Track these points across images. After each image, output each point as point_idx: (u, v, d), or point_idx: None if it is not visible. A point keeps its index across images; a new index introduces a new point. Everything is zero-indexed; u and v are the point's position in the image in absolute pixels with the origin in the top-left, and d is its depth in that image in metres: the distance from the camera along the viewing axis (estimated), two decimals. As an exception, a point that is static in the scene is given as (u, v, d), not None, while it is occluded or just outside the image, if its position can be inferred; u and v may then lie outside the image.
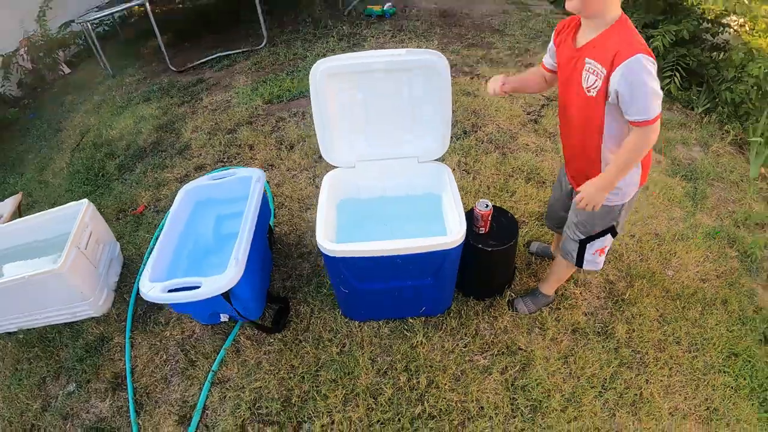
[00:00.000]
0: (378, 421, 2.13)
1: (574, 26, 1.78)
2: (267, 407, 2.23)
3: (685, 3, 4.11)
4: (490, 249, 2.31)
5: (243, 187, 2.70)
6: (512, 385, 2.24)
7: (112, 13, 6.46)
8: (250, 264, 2.27)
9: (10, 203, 3.89)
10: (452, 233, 2.04)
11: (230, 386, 2.35)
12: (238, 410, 2.24)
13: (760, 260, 2.88)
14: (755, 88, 3.75)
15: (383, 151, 2.45)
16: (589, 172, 1.87)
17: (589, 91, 1.70)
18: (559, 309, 2.56)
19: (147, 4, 5.35)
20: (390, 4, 6.13)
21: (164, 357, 2.57)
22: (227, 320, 2.55)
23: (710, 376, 2.28)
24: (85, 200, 2.97)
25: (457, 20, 6.01)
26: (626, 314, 2.54)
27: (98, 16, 6.10)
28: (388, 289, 2.27)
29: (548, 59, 1.98)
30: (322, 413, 2.18)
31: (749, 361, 2.34)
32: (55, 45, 6.96)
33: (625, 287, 2.68)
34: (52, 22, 6.94)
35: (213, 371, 2.43)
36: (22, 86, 6.66)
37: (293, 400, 2.25)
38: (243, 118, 4.41)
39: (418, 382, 2.25)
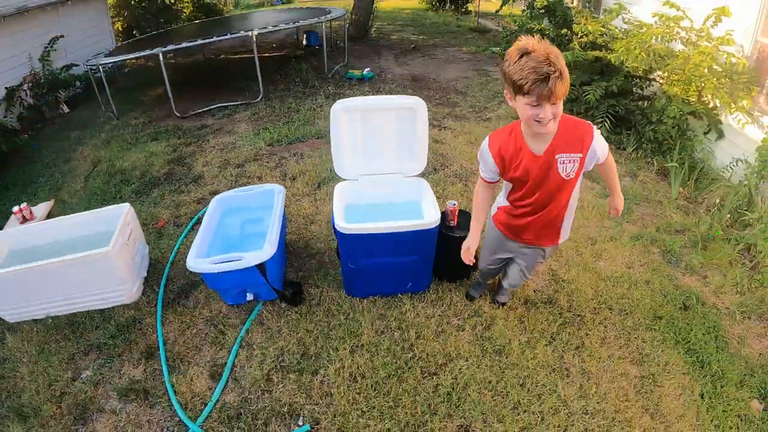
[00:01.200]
0: (380, 364, 2.73)
1: (519, 144, 2.05)
2: (289, 360, 2.80)
3: (613, 64, 5.11)
4: (458, 236, 3.05)
5: (265, 198, 3.43)
6: (480, 336, 2.90)
7: (123, 60, 7.20)
8: (277, 248, 2.95)
9: (43, 208, 4.52)
10: (431, 218, 2.80)
11: (256, 347, 2.90)
12: (264, 364, 2.78)
13: (679, 254, 3.67)
14: (674, 127, 4.68)
15: (377, 167, 3.22)
16: (550, 234, 2.39)
17: (568, 176, 2.03)
18: (514, 287, 3.26)
19: (160, 56, 6.17)
20: (368, 69, 7.13)
21: (194, 331, 3.08)
22: (251, 299, 3.15)
23: (640, 332, 2.95)
24: (127, 204, 3.54)
25: (426, 84, 7.00)
26: (566, 290, 3.26)
27: (109, 61, 6.85)
28: (385, 265, 2.96)
29: (491, 175, 2.27)
30: (335, 360, 2.76)
31: (672, 322, 3.02)
32: (58, 85, 7.63)
33: (564, 273, 3.42)
34: (53, 64, 7.63)
35: (241, 336, 2.98)
36: (22, 120, 7.17)
37: (310, 353, 2.83)
38: (249, 156, 5.18)
39: (409, 336, 2.89)
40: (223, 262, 2.82)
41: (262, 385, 2.67)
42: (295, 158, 5.09)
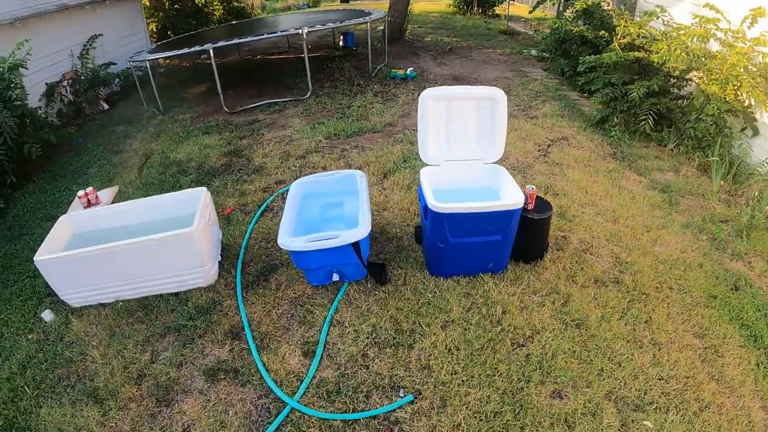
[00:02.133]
0: (472, 336, 2.93)
1: None
2: (383, 336, 2.97)
3: (653, 65, 5.36)
4: (536, 218, 3.29)
5: (345, 183, 3.64)
6: (560, 312, 3.12)
7: (170, 56, 7.43)
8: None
9: (108, 193, 4.73)
10: (517, 199, 3.03)
11: (347, 325, 3.06)
12: (358, 340, 2.95)
13: (725, 242, 3.90)
14: (713, 125, 4.92)
15: (459, 154, 3.45)
16: None
17: None
18: (582, 269, 3.49)
19: (211, 52, 6.41)
20: (411, 69, 7.37)
21: (280, 311, 3.20)
22: (337, 280, 3.30)
23: (698, 309, 3.19)
24: (204, 188, 3.64)
25: (468, 83, 7.22)
26: (630, 270, 3.49)
27: (154, 56, 7.13)
28: (471, 245, 3.18)
29: None
30: (428, 335, 2.96)
31: (726, 301, 3.26)
32: (98, 82, 7.88)
33: (626, 256, 3.64)
34: (92, 62, 7.86)
35: (331, 314, 3.12)
36: (61, 116, 7.40)
37: (404, 329, 3.01)
38: (310, 148, 5.40)
39: (495, 312, 3.10)
40: (318, 241, 2.98)
41: (358, 360, 2.83)
42: (356, 150, 5.31)
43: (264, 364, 2.83)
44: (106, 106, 8.03)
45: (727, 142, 4.97)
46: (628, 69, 5.61)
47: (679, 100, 5.46)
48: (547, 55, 7.56)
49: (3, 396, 2.91)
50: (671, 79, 5.52)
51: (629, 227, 3.99)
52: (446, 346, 2.88)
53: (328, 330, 3.05)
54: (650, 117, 5.19)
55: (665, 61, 5.05)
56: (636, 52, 5.51)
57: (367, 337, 2.96)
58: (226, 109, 6.79)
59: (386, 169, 4.82)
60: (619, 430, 2.42)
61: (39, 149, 5.45)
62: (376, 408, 2.56)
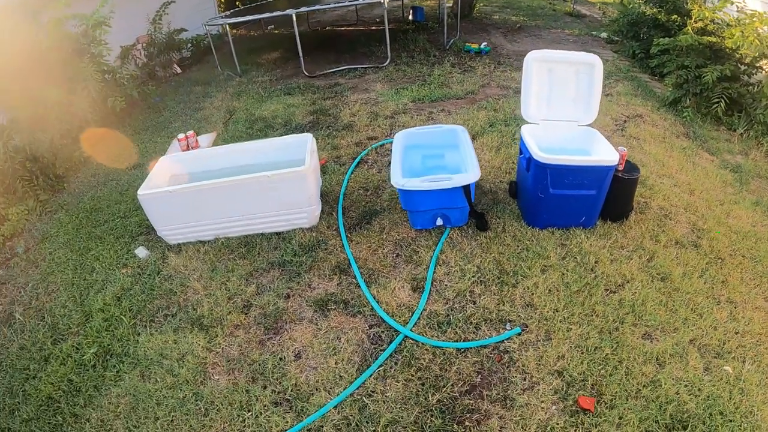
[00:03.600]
0: (570, 280, 3.22)
1: None
2: (488, 275, 3.25)
3: (727, 50, 5.54)
4: (626, 178, 3.56)
5: (446, 137, 3.93)
6: (646, 266, 3.40)
7: (248, 21, 7.75)
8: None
9: (208, 138, 4.98)
10: (612, 156, 3.31)
11: (452, 265, 3.31)
12: (464, 278, 3.21)
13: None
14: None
15: (556, 114, 3.72)
16: None
17: None
18: (663, 231, 3.75)
19: (294, 16, 6.74)
20: (485, 43, 7.61)
21: (385, 251, 3.44)
22: (440, 224, 3.58)
23: None
24: (309, 134, 3.81)
25: None
26: (706, 237, 3.73)
27: (231, 21, 7.46)
28: (569, 197, 3.47)
29: None
30: (528, 276, 3.24)
31: None
32: (173, 46, 8.25)
33: (702, 224, 3.89)
34: (163, 27, 8.16)
35: (436, 254, 3.39)
36: (134, 78, 7.56)
37: (507, 270, 3.29)
38: (397, 110, 5.71)
39: (589, 260, 3.39)
40: (432, 182, 3.25)
41: (466, 296, 3.07)
42: (443, 113, 5.60)
43: (374, 297, 3.04)
44: (179, 70, 8.43)
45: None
46: (701, 53, 5.79)
47: (750, 87, 5.64)
48: (617, 38, 7.70)
49: (97, 325, 3.11)
50: (742, 66, 5.69)
51: (704, 199, 4.23)
52: (546, 287, 3.16)
53: (435, 268, 3.30)
54: (723, 100, 5.38)
55: (738, 46, 5.23)
56: (709, 37, 5.68)
57: (473, 276, 3.20)
58: (306, 73, 7.14)
59: (474, 131, 5.10)
60: (702, 371, 2.68)
61: (122, 102, 5.75)
62: (486, 338, 2.83)
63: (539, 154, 3.29)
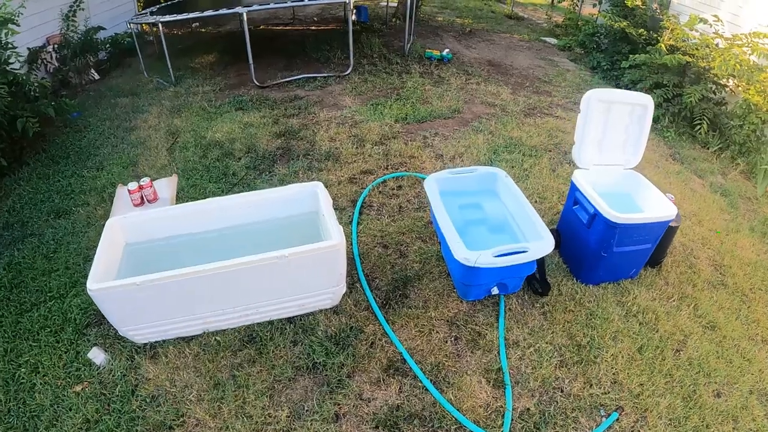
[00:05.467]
0: (640, 345, 3.02)
1: None
2: (565, 353, 2.90)
3: (699, 69, 5.62)
4: (674, 225, 3.41)
5: (483, 182, 3.52)
6: (695, 315, 3.29)
7: (185, 20, 6.67)
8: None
9: (167, 185, 3.85)
10: (672, 210, 3.10)
11: (524, 346, 2.89)
12: (542, 362, 2.81)
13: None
14: (754, 132, 5.30)
15: (607, 159, 3.47)
16: None
17: None
18: (694, 272, 3.68)
19: (244, 16, 5.90)
20: (447, 50, 7.20)
21: (440, 335, 2.86)
22: (495, 293, 3.10)
23: None
24: (319, 183, 3.06)
25: (506, 70, 7.14)
26: (728, 273, 3.75)
27: (164, 19, 6.32)
28: (627, 253, 3.25)
29: None
30: (603, 347, 2.94)
31: None
32: (89, 48, 6.94)
33: (720, 259, 3.89)
34: (78, 26, 6.94)
35: (502, 334, 2.95)
36: (43, 87, 6.32)
37: (581, 344, 2.97)
38: (385, 134, 5.10)
39: (649, 319, 3.22)
40: (508, 255, 2.77)
41: (552, 383, 2.73)
42: (438, 138, 5.10)
43: (451, 403, 2.53)
44: (97, 76, 7.12)
45: (765, 149, 5.36)
46: (675, 72, 5.84)
47: (722, 106, 5.79)
48: (580, 50, 7.65)
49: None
50: (712, 85, 5.84)
51: (712, 230, 4.24)
52: (624, 358, 2.94)
53: (506, 352, 2.86)
54: (705, 121, 5.46)
55: (714, 67, 5.32)
56: (683, 55, 5.74)
57: (551, 357, 2.86)
58: (256, 83, 6.29)
59: (481, 161, 4.71)
60: (765, 419, 2.68)
61: (36, 125, 4.48)
62: None
63: (612, 213, 3.02)
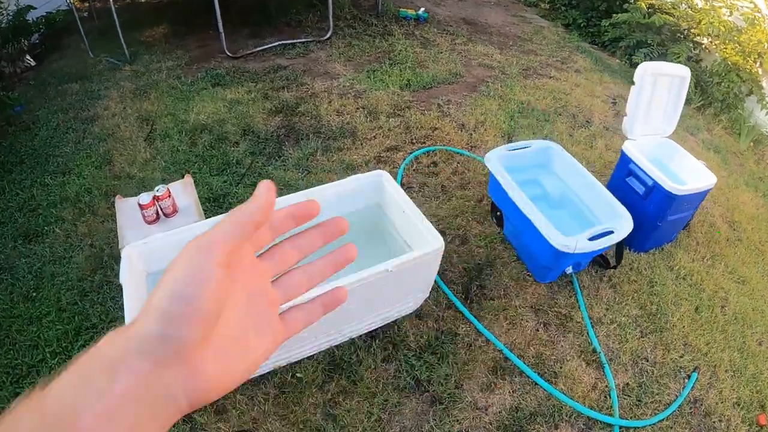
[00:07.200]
0: (696, 305, 3.23)
1: None
2: (642, 324, 3.01)
3: (678, 29, 5.81)
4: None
5: (539, 156, 3.50)
6: (728, 272, 3.57)
7: None
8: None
9: (184, 191, 2.98)
10: (711, 179, 3.27)
11: (605, 322, 2.94)
12: (626, 336, 2.89)
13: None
14: (733, 90, 5.61)
15: (649, 128, 3.55)
16: None
17: None
18: (716, 232, 3.93)
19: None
20: (423, 9, 6.89)
21: (531, 324, 2.82)
22: (569, 272, 3.06)
23: None
24: (383, 171, 2.74)
25: (484, 29, 6.91)
26: (740, 228, 4.03)
27: None
28: (675, 221, 3.43)
29: None
30: (670, 313, 3.11)
31: None
32: (20, 31, 5.94)
33: (730, 215, 4.17)
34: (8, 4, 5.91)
35: (585, 314, 3.00)
36: None
37: (652, 312, 3.07)
38: (396, 103, 4.75)
39: (695, 280, 3.43)
40: (599, 238, 2.74)
41: (639, 354, 2.84)
42: (453, 106, 4.81)
43: (564, 394, 2.52)
44: (33, 62, 6.09)
45: (742, 105, 5.71)
46: (656, 30, 6.00)
47: (698, 63, 6.05)
48: (556, 5, 7.61)
49: None
50: (690, 44, 6.08)
51: (717, 187, 4.45)
52: (687, 319, 3.12)
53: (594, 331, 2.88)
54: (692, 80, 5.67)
55: (701, 29, 5.52)
56: (665, 15, 5.90)
57: (633, 329, 2.95)
58: (229, 53, 5.69)
59: (503, 130, 4.56)
60: None
61: None
62: (677, 396, 2.69)
63: (671, 185, 3.12)
